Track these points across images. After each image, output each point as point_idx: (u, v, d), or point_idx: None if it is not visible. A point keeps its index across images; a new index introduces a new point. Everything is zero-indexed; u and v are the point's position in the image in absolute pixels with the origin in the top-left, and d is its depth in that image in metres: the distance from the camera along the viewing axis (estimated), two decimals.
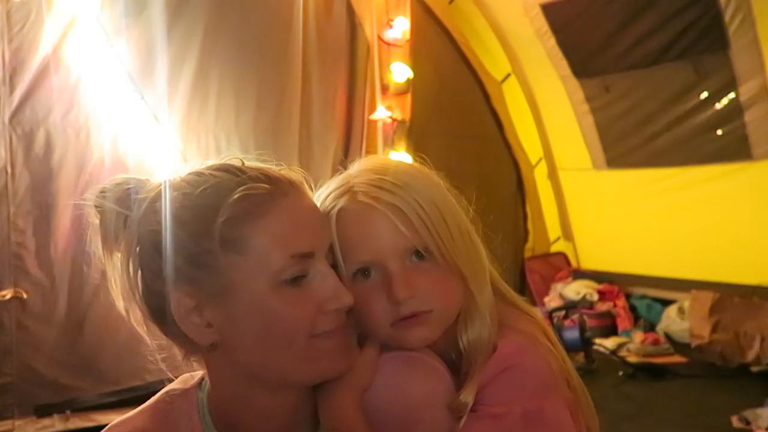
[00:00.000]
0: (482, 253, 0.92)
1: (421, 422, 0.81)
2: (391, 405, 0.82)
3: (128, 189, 0.80)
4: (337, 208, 0.86)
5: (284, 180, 0.80)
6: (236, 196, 0.75)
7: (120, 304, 0.81)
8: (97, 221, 0.80)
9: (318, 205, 0.88)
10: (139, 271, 0.79)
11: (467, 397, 0.81)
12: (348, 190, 0.87)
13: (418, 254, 0.85)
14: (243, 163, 0.81)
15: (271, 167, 0.82)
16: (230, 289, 0.75)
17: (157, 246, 0.76)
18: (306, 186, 0.85)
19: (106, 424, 0.84)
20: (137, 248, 0.78)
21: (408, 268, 0.85)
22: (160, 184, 0.79)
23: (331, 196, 0.88)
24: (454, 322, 0.88)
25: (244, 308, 0.75)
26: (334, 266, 0.83)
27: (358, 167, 0.91)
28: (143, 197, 0.78)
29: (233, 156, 0.82)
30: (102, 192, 0.80)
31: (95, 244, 0.81)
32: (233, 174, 0.78)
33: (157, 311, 0.79)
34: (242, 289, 0.75)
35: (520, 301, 0.96)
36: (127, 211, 0.78)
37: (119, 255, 0.80)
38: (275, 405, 0.82)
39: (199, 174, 0.79)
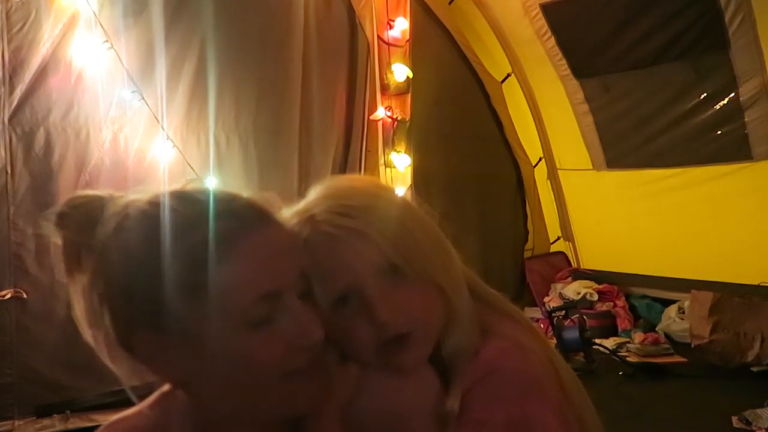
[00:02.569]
0: (456, 259, 0.91)
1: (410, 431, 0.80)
2: (380, 416, 0.81)
3: (91, 212, 0.75)
4: (300, 240, 0.83)
5: (251, 212, 0.75)
6: (196, 239, 0.70)
7: (85, 332, 0.76)
8: (59, 243, 0.75)
9: None
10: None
11: (453, 404, 0.80)
12: (309, 219, 0.84)
13: (390, 273, 0.83)
14: (209, 193, 0.75)
15: (240, 197, 0.77)
16: (195, 334, 0.71)
17: (119, 281, 0.71)
18: (277, 211, 0.81)
19: None
20: (100, 278, 0.73)
21: (384, 288, 0.82)
22: (126, 206, 0.74)
23: (293, 226, 0.85)
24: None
25: (210, 353, 0.71)
26: (307, 294, 0.79)
27: (315, 194, 0.88)
28: (108, 220, 0.73)
29: (198, 183, 0.79)
30: (61, 216, 0.75)
31: (58, 268, 0.76)
32: (195, 209, 0.73)
33: (125, 340, 0.74)
34: (207, 334, 0.70)
35: (502, 302, 0.95)
36: (88, 240, 0.73)
37: (84, 280, 0.75)
38: (259, 417, 0.80)
39: (158, 206, 0.73)
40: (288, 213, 0.86)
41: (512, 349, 0.84)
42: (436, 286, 0.85)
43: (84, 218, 0.74)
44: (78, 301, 0.75)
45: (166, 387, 0.85)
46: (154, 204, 0.73)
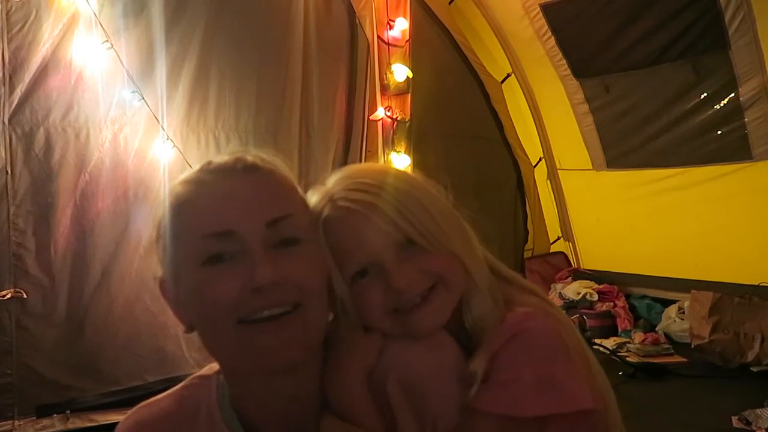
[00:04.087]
0: (472, 235, 0.95)
1: (431, 394, 0.81)
2: (401, 380, 0.82)
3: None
4: (321, 219, 0.88)
5: (228, 165, 0.83)
6: (177, 184, 0.83)
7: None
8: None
9: None
10: None
11: (477, 366, 0.82)
12: (329, 200, 0.89)
13: (406, 244, 0.87)
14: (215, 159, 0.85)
15: (237, 154, 0.85)
16: (176, 276, 0.81)
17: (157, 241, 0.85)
18: (266, 166, 0.84)
19: (106, 424, 0.86)
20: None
21: (401, 259, 0.86)
22: None
23: (314, 207, 0.91)
24: (459, 308, 0.90)
25: (184, 292, 0.80)
26: (289, 243, 0.82)
27: (334, 178, 0.93)
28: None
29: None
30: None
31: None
32: (200, 167, 0.85)
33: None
34: (181, 274, 0.80)
35: (521, 279, 0.98)
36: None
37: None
38: (267, 392, 0.82)
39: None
40: (312, 196, 0.92)
41: (538, 313, 0.87)
42: (452, 256, 0.89)
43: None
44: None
45: (197, 373, 0.90)
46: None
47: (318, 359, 0.85)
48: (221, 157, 0.84)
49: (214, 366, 0.89)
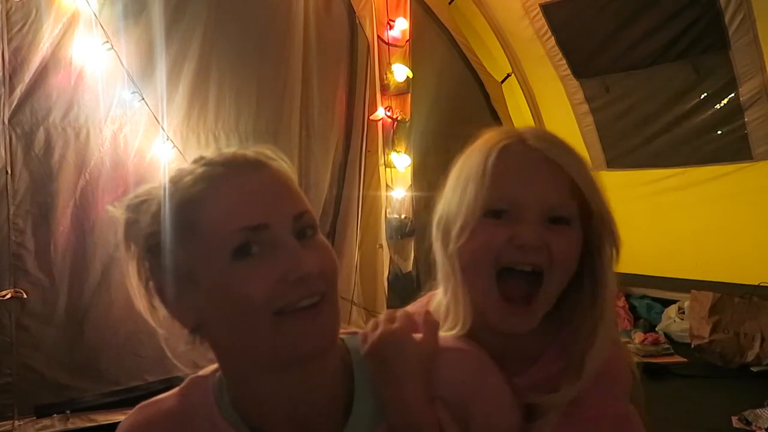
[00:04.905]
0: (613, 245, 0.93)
1: (476, 418, 0.81)
2: (443, 396, 0.81)
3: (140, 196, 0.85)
4: (501, 144, 0.88)
5: (239, 159, 0.81)
6: (187, 178, 0.79)
7: (134, 287, 0.85)
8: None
9: (482, 141, 0.92)
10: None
11: (566, 396, 0.83)
12: (517, 135, 0.90)
13: (556, 220, 0.85)
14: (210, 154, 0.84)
15: (233, 150, 0.83)
16: (195, 272, 0.77)
17: (148, 240, 0.81)
18: (273, 162, 0.83)
19: (106, 424, 0.86)
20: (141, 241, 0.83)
21: (543, 224, 0.85)
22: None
23: (498, 134, 0.91)
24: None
25: (207, 289, 0.77)
26: (306, 234, 0.80)
27: (528, 127, 0.95)
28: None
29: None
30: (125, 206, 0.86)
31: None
32: (194, 163, 0.82)
33: (157, 289, 0.83)
34: (204, 270, 0.76)
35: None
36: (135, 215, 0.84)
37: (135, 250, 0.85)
38: (275, 389, 0.81)
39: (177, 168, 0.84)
40: (490, 133, 0.94)
41: (618, 350, 0.90)
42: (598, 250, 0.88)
43: (136, 200, 0.85)
44: (132, 266, 0.84)
45: (196, 374, 0.89)
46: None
47: (330, 354, 0.84)
48: (220, 153, 0.83)
49: (210, 367, 0.88)
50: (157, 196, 0.81)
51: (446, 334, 0.91)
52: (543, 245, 0.84)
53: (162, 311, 0.83)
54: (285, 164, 0.84)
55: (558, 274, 0.86)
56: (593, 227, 0.88)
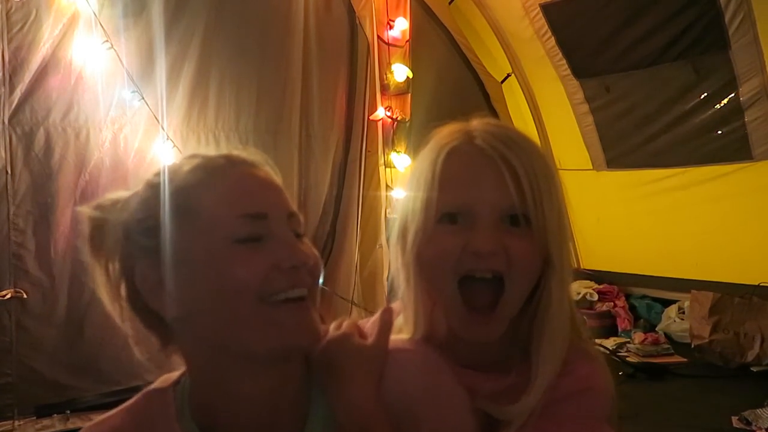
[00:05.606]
0: (570, 244, 0.90)
1: (424, 420, 0.80)
2: (391, 401, 0.80)
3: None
4: (450, 146, 0.86)
5: (237, 157, 0.83)
6: (186, 167, 0.81)
7: (102, 288, 0.87)
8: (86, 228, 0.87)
9: (433, 142, 0.89)
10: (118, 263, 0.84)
11: (530, 403, 0.81)
12: (466, 133, 0.87)
13: (513, 219, 0.82)
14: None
15: (230, 150, 0.86)
16: (186, 255, 0.78)
17: (126, 227, 0.82)
18: (265, 165, 0.85)
19: None
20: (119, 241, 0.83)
21: (499, 227, 0.82)
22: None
23: (448, 134, 0.89)
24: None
25: (198, 271, 0.77)
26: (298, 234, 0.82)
27: (480, 120, 0.90)
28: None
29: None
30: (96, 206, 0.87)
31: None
32: (191, 156, 0.84)
33: (130, 277, 0.82)
34: (196, 253, 0.77)
35: (584, 325, 0.96)
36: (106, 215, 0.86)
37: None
38: (250, 389, 0.80)
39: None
40: (446, 127, 0.91)
41: (602, 370, 0.87)
42: (543, 256, 0.84)
43: (107, 201, 0.88)
44: (100, 266, 0.85)
45: (150, 386, 0.87)
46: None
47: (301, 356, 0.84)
48: (217, 153, 0.84)
49: (167, 379, 0.87)
50: (142, 191, 0.83)
51: (401, 337, 0.91)
52: (500, 250, 0.81)
53: (129, 312, 0.84)
54: (272, 171, 0.86)
55: (519, 278, 0.83)
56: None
